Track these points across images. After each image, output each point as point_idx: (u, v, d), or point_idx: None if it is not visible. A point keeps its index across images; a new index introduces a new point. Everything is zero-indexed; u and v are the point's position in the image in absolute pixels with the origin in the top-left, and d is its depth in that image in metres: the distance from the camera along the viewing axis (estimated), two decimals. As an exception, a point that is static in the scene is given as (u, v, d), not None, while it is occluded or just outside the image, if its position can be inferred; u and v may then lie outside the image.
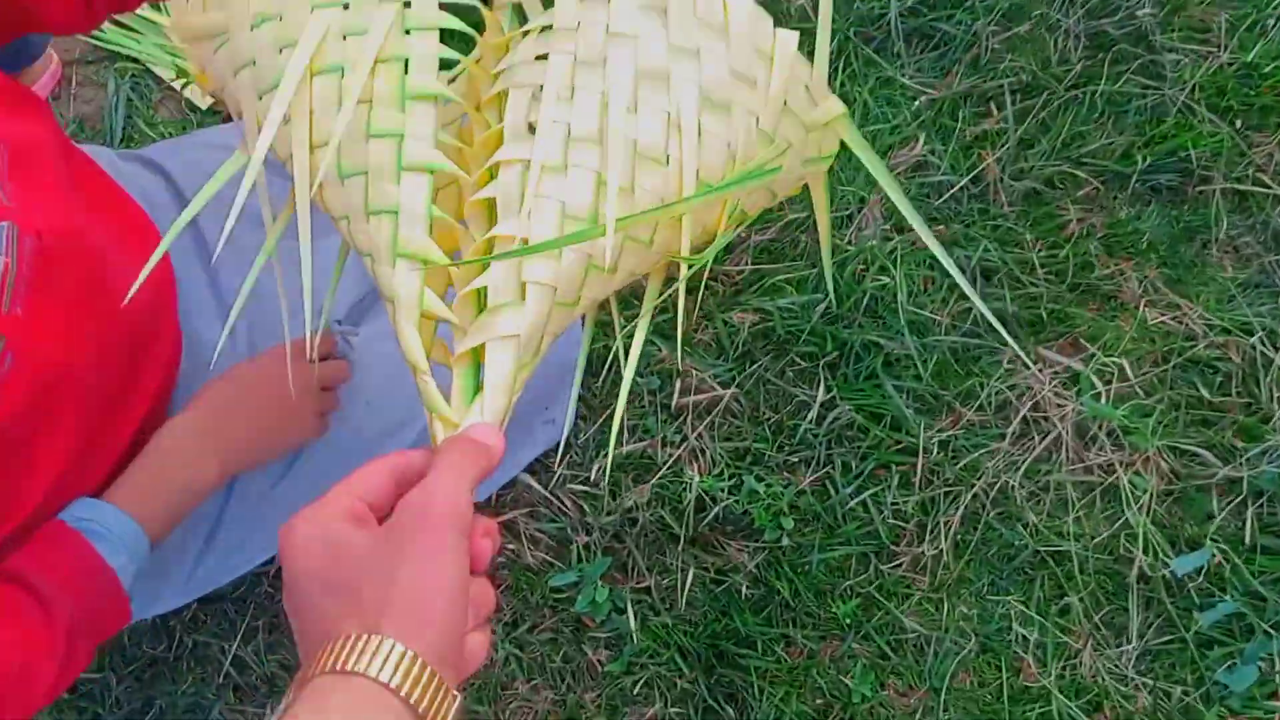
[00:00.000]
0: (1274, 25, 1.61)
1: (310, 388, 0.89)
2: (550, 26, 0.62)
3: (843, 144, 0.71)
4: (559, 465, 1.41)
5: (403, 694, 0.44)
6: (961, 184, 1.52)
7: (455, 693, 0.47)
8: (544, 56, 0.61)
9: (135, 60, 1.64)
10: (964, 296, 1.47)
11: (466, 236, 0.62)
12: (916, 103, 1.58)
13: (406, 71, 0.61)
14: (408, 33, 0.61)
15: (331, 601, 0.48)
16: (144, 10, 1.57)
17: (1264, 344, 1.44)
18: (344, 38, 0.61)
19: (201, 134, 1.12)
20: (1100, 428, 1.42)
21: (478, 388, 0.57)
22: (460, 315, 0.58)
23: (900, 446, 1.42)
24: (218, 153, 0.97)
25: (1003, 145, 1.55)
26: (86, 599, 0.73)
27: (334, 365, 0.93)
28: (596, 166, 0.58)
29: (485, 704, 1.35)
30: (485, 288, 0.57)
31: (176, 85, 1.62)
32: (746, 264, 1.49)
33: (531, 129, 0.60)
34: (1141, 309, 1.49)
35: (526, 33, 0.64)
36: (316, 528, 0.49)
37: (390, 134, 0.59)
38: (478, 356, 0.57)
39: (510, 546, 1.40)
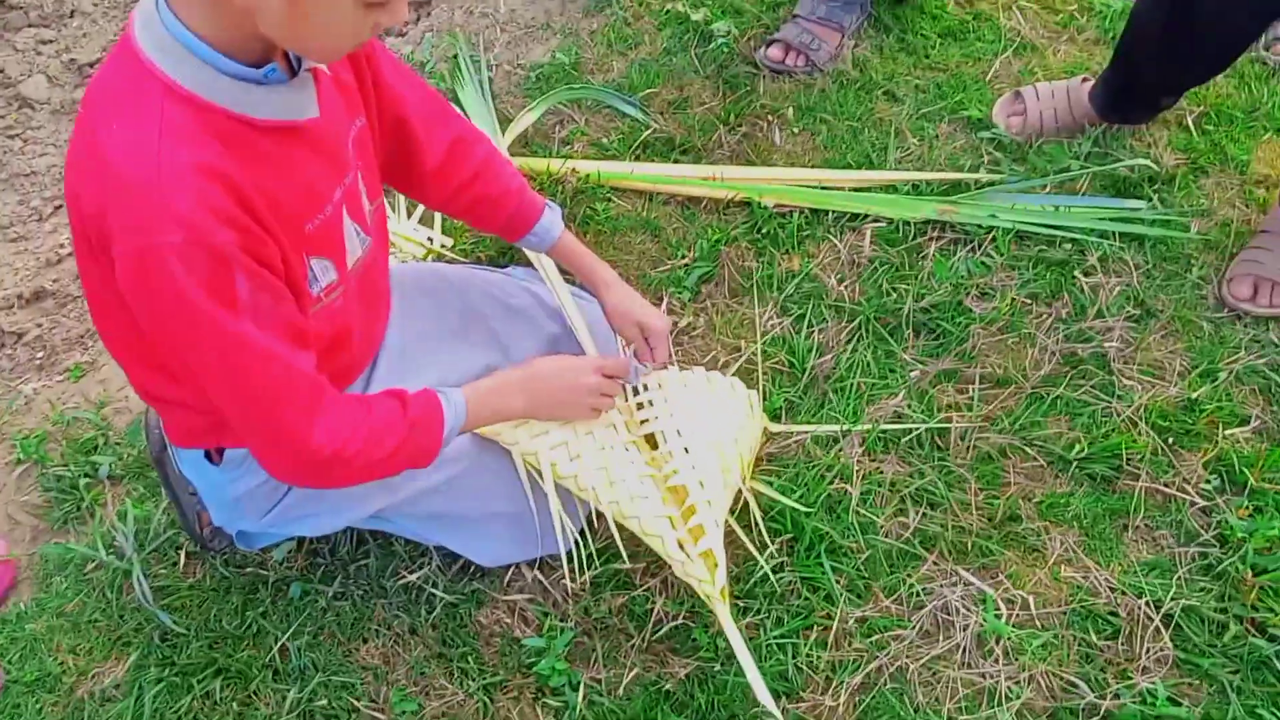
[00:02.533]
0: (1223, 376, 1.98)
1: (597, 383, 1.59)
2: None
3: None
4: (564, 568, 1.82)
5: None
6: (926, 428, 1.92)
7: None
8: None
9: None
10: (903, 512, 1.84)
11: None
12: (910, 374, 2.02)
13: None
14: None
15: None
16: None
17: (1148, 608, 1.72)
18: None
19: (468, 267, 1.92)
20: (996, 643, 1.71)
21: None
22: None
23: (825, 615, 1.75)
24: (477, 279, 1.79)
25: (969, 414, 1.95)
26: (422, 432, 1.33)
27: (618, 361, 1.62)
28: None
29: (452, 734, 1.70)
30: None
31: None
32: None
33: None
34: (1056, 563, 1.80)
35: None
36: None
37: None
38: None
39: (507, 619, 1.80)
